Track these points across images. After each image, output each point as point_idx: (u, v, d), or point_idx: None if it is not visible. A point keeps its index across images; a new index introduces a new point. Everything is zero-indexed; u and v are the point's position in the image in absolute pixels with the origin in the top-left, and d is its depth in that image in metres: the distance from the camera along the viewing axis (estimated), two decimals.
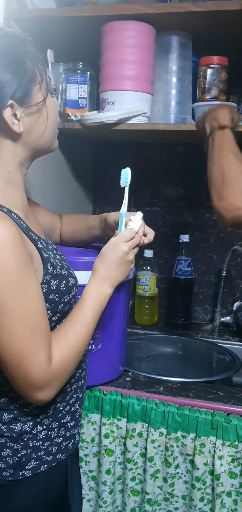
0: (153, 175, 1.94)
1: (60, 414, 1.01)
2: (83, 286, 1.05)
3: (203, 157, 1.75)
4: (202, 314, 1.96)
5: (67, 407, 1.03)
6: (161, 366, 1.65)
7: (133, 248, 1.07)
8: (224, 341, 1.77)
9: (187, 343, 1.79)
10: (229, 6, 1.25)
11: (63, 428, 1.02)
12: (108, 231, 1.22)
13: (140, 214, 1.12)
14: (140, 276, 1.88)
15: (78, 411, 1.07)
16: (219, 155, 1.12)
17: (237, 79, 1.57)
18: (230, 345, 1.74)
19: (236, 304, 1.83)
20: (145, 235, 1.15)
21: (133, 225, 1.09)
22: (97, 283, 1.02)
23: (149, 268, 1.88)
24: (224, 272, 1.81)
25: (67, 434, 1.03)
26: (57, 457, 1.01)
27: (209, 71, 1.38)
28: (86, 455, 1.36)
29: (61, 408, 1.01)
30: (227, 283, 1.89)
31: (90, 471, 1.37)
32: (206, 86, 1.39)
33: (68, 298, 1.00)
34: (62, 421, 1.02)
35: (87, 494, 1.38)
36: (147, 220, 1.76)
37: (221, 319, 1.84)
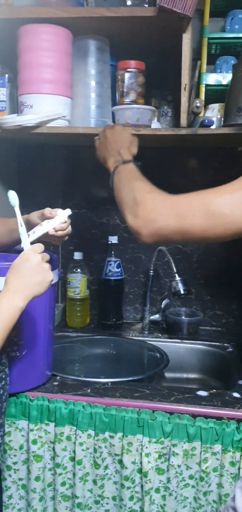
0: (80, 178, 1.94)
1: None
2: None
3: None
4: (133, 313, 1.99)
5: None
6: (92, 368, 1.65)
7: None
8: (154, 339, 1.80)
9: (118, 343, 1.81)
10: (141, 12, 1.27)
11: None
12: None
13: (68, 211, 1.14)
14: (70, 279, 1.87)
15: None
16: (127, 182, 1.14)
17: (157, 83, 1.60)
18: (159, 342, 1.77)
19: (164, 302, 1.87)
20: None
21: (56, 219, 1.11)
22: (8, 296, 0.97)
23: (79, 270, 1.88)
24: (151, 271, 1.84)
25: None
26: None
27: (126, 75, 1.40)
28: (15, 463, 1.33)
29: None
30: (156, 282, 1.92)
31: (20, 479, 1.35)
32: (124, 90, 1.41)
33: None
34: None
35: (18, 504, 1.36)
36: (77, 224, 1.76)
37: (151, 317, 1.87)
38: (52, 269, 1.28)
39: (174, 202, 1.02)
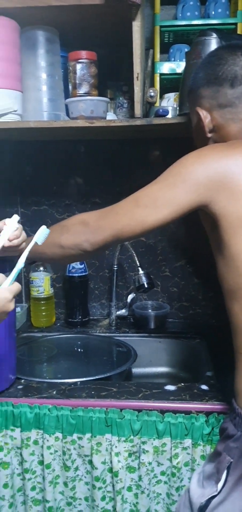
0: (39, 173, 1.89)
1: None
2: None
3: (84, 153, 1.74)
4: (100, 309, 1.96)
5: None
6: (58, 368, 1.61)
7: None
8: (121, 334, 1.78)
9: (85, 340, 1.78)
10: (89, 0, 1.23)
11: None
12: None
13: (16, 217, 1.09)
14: (33, 278, 1.83)
15: None
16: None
17: (112, 74, 1.57)
18: (126, 338, 1.75)
19: (130, 297, 1.84)
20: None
21: (6, 230, 1.06)
22: None
23: (41, 268, 1.83)
24: (115, 266, 1.82)
25: None
26: None
27: (78, 66, 1.36)
28: None
29: None
30: (121, 277, 1.90)
31: None
32: (77, 82, 1.36)
33: None
34: None
35: None
36: (37, 221, 1.70)
37: (117, 312, 1.85)
38: None
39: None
